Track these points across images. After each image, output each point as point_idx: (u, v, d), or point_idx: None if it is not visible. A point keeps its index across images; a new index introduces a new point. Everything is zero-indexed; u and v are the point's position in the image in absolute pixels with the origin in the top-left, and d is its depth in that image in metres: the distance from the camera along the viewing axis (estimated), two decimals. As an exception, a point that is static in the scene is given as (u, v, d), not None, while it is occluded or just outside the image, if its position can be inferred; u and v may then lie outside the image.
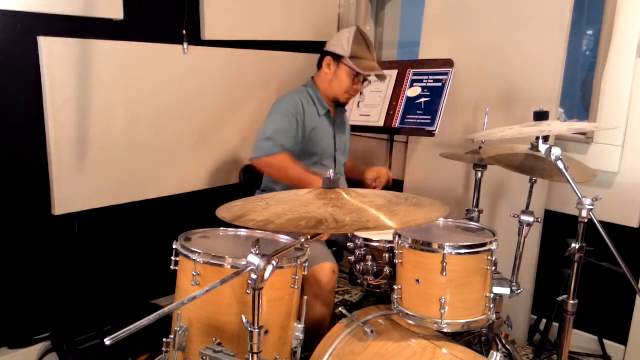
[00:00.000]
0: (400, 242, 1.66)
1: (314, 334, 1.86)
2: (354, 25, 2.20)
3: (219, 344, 1.35)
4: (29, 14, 1.98)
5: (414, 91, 2.79)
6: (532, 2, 2.43)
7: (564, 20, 2.34)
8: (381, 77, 2.29)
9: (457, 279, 1.60)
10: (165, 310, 1.05)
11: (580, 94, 2.67)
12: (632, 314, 2.41)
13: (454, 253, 1.58)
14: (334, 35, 2.30)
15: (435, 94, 2.70)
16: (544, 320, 2.49)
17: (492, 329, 1.96)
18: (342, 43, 2.20)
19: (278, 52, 2.91)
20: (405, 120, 2.76)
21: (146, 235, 2.58)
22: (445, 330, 1.62)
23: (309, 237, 1.27)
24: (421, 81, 2.79)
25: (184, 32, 2.45)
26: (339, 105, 2.35)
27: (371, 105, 2.92)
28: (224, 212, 1.31)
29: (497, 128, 1.87)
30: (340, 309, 1.79)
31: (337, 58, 2.21)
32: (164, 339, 1.46)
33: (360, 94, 2.44)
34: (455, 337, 1.89)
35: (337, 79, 2.23)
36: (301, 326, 1.57)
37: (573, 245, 1.54)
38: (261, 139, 2.12)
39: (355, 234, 1.88)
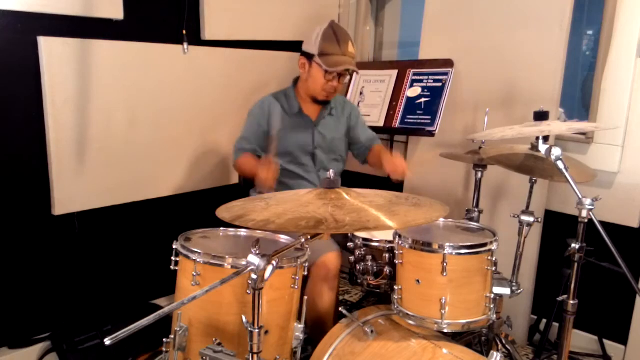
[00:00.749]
0: (400, 242, 1.66)
1: (322, 320, 1.87)
2: (330, 20, 2.15)
3: (219, 344, 1.35)
4: (29, 14, 1.98)
5: (414, 91, 2.79)
6: (532, 2, 2.43)
7: (564, 20, 2.34)
8: (354, 72, 2.22)
9: (457, 279, 1.60)
10: (165, 310, 1.06)
11: (580, 94, 2.67)
12: (632, 314, 2.41)
13: (454, 253, 1.58)
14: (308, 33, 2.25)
15: (435, 94, 2.70)
16: (544, 320, 2.49)
17: (492, 329, 1.96)
18: (312, 41, 2.18)
19: (278, 52, 2.90)
20: (405, 120, 2.76)
21: (146, 235, 2.58)
22: (445, 331, 1.62)
23: (309, 237, 1.27)
24: (421, 81, 2.79)
25: (184, 32, 2.45)
26: (320, 103, 2.30)
27: (371, 105, 2.92)
28: (224, 212, 1.31)
29: (497, 128, 1.87)
30: (340, 309, 1.79)
31: (309, 57, 2.20)
32: (164, 339, 1.47)
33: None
34: (456, 337, 1.89)
35: (311, 77, 2.21)
36: (301, 326, 1.57)
37: (573, 245, 1.54)
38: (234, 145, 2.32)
39: (355, 234, 1.88)
